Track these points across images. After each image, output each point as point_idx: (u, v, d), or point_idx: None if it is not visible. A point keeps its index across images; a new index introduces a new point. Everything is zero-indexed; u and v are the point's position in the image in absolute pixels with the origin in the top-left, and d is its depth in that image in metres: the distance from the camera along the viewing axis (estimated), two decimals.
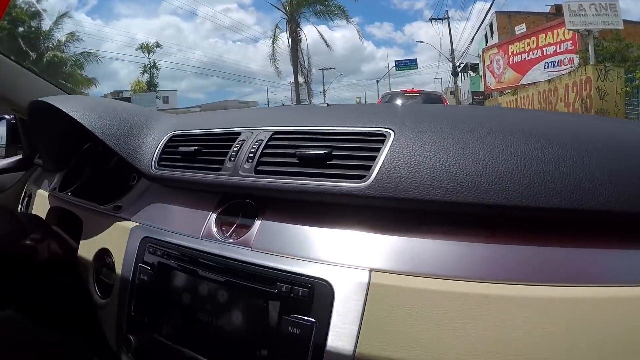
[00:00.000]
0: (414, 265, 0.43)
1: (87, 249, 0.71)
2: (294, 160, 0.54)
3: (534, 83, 12.67)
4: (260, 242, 0.53)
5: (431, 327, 0.39)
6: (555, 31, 12.50)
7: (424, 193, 0.44)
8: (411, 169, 0.45)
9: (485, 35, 19.71)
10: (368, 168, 0.48)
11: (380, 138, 0.50)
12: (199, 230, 0.59)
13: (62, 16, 17.27)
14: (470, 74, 22.29)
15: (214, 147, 0.63)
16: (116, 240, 0.66)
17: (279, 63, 21.08)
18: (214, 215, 0.59)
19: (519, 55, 14.26)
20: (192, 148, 0.64)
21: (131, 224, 0.66)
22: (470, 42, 19.66)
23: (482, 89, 18.04)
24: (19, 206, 1.18)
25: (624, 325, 0.35)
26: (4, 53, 1.08)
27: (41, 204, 0.99)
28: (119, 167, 0.88)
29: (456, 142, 0.46)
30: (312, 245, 0.50)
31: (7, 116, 1.41)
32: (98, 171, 0.97)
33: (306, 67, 21.18)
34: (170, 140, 0.69)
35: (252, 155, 0.57)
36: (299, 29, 20.55)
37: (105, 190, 0.84)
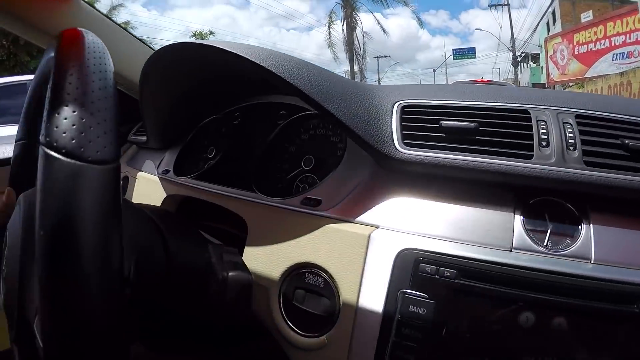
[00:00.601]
0: None
1: (269, 268, 0.51)
2: (617, 151, 0.43)
3: (603, 76, 11.87)
4: (601, 252, 0.40)
5: None
6: (625, 19, 11.74)
7: None
8: None
9: (547, 24, 18.80)
10: None
11: None
12: (502, 238, 0.41)
13: (115, 7, 17.88)
14: (530, 65, 21.31)
15: (497, 125, 0.46)
16: (336, 251, 0.46)
17: (335, 48, 21.12)
18: (521, 218, 0.41)
19: (585, 46, 13.60)
20: (470, 124, 0.45)
21: (360, 227, 0.46)
22: (534, 30, 18.90)
23: (542, 80, 17.29)
24: None
25: None
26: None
27: (147, 191, 0.84)
28: (267, 147, 0.68)
29: None
30: None
31: None
32: (233, 152, 0.77)
33: (361, 53, 21.14)
34: (403, 111, 0.50)
35: (572, 141, 0.43)
36: (354, 13, 20.34)
37: (244, 177, 0.65)
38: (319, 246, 0.47)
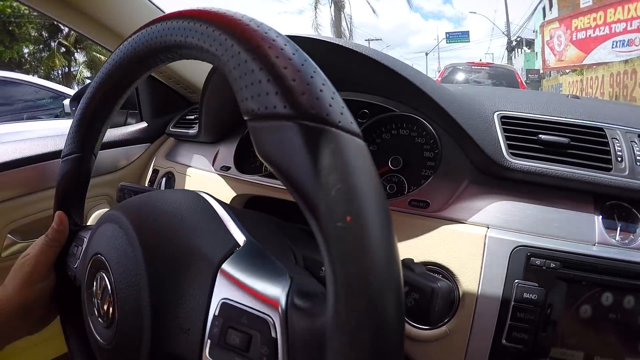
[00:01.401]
0: None
1: None
2: None
3: (605, 63, 11.89)
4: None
5: None
6: (626, 6, 11.67)
7: None
8: None
9: (543, 9, 18.79)
10: None
11: None
12: (588, 235, 0.51)
13: None
14: (524, 50, 21.36)
15: (585, 141, 0.56)
16: (450, 248, 0.54)
17: (321, 29, 20.96)
18: (601, 218, 0.52)
19: (584, 32, 13.47)
20: (564, 139, 0.55)
21: (474, 227, 0.54)
22: (533, 13, 18.87)
23: (537, 66, 17.30)
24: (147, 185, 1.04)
25: None
26: None
27: (203, 189, 0.83)
28: None
29: None
30: None
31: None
32: None
33: (348, 35, 21.00)
34: (503, 122, 0.58)
35: (639, 157, 0.54)
36: None
37: None
38: (437, 245, 0.55)
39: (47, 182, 0.89)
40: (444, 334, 0.52)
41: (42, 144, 0.90)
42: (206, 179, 0.86)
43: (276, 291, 0.30)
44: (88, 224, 0.57)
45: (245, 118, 0.27)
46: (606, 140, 0.55)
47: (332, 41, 0.59)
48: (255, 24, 0.28)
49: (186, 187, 0.90)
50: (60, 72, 19.60)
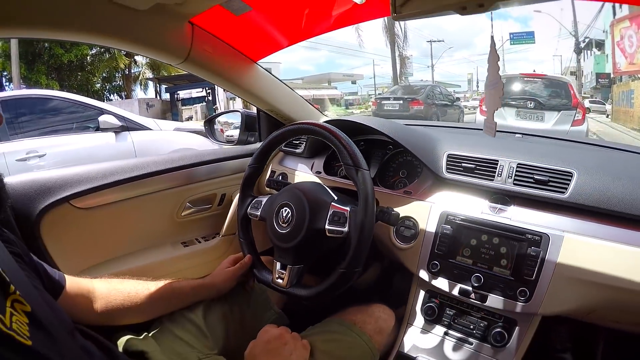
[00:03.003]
0: (585, 231, 1.07)
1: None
2: (530, 179, 1.19)
3: None
4: (515, 215, 1.18)
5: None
6: None
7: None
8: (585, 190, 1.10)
9: (613, 7, 18.35)
10: (566, 188, 1.12)
11: (569, 173, 1.14)
12: (478, 210, 1.22)
13: None
14: (594, 52, 21.04)
15: (484, 166, 1.26)
16: (417, 211, 1.28)
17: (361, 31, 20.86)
18: (487, 202, 1.22)
19: None
20: (471, 165, 1.27)
21: (429, 203, 1.28)
22: (600, 10, 18.36)
23: (607, 70, 16.94)
24: (268, 180, 1.76)
25: None
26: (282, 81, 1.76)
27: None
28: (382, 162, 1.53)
29: (605, 181, 1.10)
30: (537, 220, 1.14)
31: (240, 110, 2.04)
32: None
33: (402, 37, 21.11)
34: (449, 156, 1.31)
35: (510, 175, 1.21)
36: None
37: None
38: (412, 209, 1.30)
39: (209, 175, 1.69)
40: (411, 247, 1.27)
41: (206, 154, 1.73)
42: (307, 177, 1.66)
43: (346, 206, 1.08)
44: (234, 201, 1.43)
45: (342, 162, 1.08)
46: (496, 165, 1.24)
47: (354, 120, 1.42)
48: (337, 130, 1.10)
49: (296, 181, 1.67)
50: (120, 73, 21.19)
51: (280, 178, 1.72)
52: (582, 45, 19.38)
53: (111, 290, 1.02)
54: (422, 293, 1.29)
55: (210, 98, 13.05)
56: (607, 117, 20.42)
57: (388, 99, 13.77)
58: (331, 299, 1.09)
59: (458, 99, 16.25)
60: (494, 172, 1.24)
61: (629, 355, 1.41)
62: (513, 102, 7.58)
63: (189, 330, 1.06)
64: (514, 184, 1.20)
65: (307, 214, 1.10)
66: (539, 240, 1.10)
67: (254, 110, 1.92)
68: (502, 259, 1.14)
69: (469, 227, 1.20)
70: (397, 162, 1.52)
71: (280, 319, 1.25)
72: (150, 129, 5.03)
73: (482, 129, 1.17)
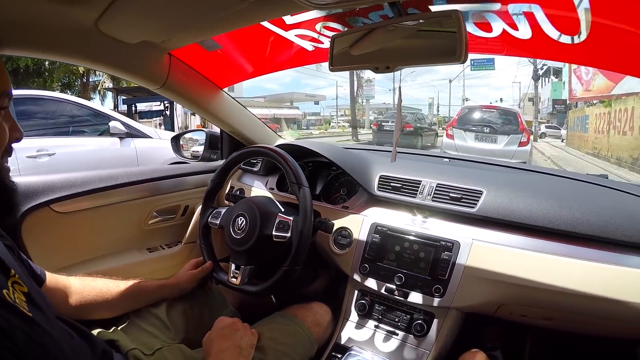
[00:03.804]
0: (490, 239, 1.32)
1: None
2: (447, 196, 1.44)
3: (635, 94, 12.55)
4: (434, 226, 1.45)
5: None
6: None
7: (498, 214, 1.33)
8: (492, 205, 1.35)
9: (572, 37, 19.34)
10: (476, 203, 1.38)
11: (480, 192, 1.40)
12: (402, 221, 1.49)
13: None
14: (552, 79, 22.19)
15: (409, 185, 1.54)
16: (352, 223, 1.54)
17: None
18: (410, 215, 1.49)
19: None
20: (399, 185, 1.55)
21: (362, 216, 1.55)
22: (559, 37, 19.23)
23: (564, 96, 17.68)
24: (227, 194, 2.00)
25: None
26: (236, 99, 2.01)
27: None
28: (325, 182, 1.79)
29: (510, 197, 1.36)
30: (451, 230, 1.40)
31: (204, 130, 2.27)
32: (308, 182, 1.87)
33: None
34: (381, 177, 1.59)
35: (429, 193, 1.49)
36: None
37: (314, 195, 1.72)
38: (348, 221, 1.57)
39: (174, 188, 1.92)
40: (346, 253, 1.53)
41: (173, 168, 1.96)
42: (262, 192, 1.90)
43: (290, 216, 1.35)
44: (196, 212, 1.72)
45: (287, 180, 1.37)
46: (419, 185, 1.52)
47: (301, 144, 1.69)
48: (285, 153, 1.39)
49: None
50: (79, 81, 20.81)
51: (238, 193, 1.97)
52: (540, 72, 20.40)
53: (85, 286, 1.19)
54: (355, 292, 1.53)
55: (168, 112, 13.01)
56: (562, 141, 21.44)
57: (387, 121, 17.53)
58: (279, 300, 1.33)
59: (434, 123, 19.31)
60: (417, 190, 1.52)
61: (553, 352, 1.67)
62: (473, 128, 9.41)
63: (153, 323, 1.24)
64: (433, 200, 1.48)
65: (258, 222, 1.36)
66: (451, 246, 1.36)
67: (218, 130, 2.16)
68: (421, 262, 1.39)
69: (394, 235, 1.47)
70: (339, 181, 1.80)
71: (235, 316, 1.43)
72: (151, 137, 5.43)
73: (413, 153, 1.44)
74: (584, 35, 1.23)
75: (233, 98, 1.98)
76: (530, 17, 1.23)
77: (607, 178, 1.84)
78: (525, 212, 1.32)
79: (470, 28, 1.31)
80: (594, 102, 16.11)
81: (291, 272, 1.30)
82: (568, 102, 17.72)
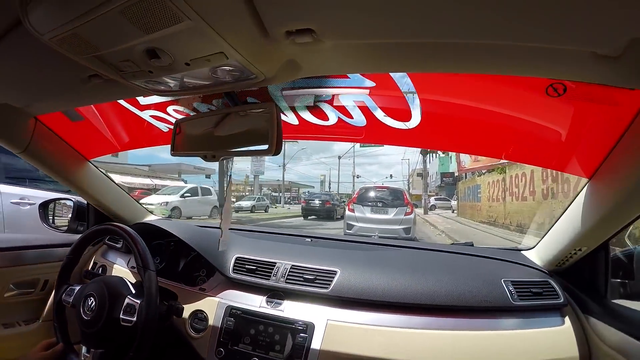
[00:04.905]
0: (345, 318, 1.39)
1: (186, 309, 1.56)
2: (301, 278, 1.51)
3: None
4: (287, 309, 1.47)
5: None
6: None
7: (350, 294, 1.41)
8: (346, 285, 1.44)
9: None
10: (329, 284, 1.46)
11: (334, 272, 1.49)
12: (257, 304, 1.52)
13: None
14: (439, 155, 23.64)
15: (263, 267, 1.59)
16: (208, 306, 1.55)
17: None
18: (265, 298, 1.53)
19: None
20: (253, 267, 1.60)
21: (218, 299, 1.56)
22: None
23: (451, 169, 19.15)
24: (85, 271, 1.92)
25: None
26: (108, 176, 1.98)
27: (123, 275, 1.65)
28: (185, 262, 1.79)
29: (363, 275, 1.45)
30: (306, 311, 1.44)
31: (72, 197, 2.18)
32: (169, 261, 1.84)
33: None
34: (237, 259, 1.64)
35: (283, 275, 1.55)
36: None
37: (175, 274, 1.74)
38: (204, 304, 1.58)
39: (35, 260, 1.83)
40: (202, 336, 1.51)
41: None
42: (124, 271, 1.85)
43: (139, 299, 1.35)
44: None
45: (136, 266, 1.38)
46: (273, 266, 1.59)
47: (158, 225, 1.71)
48: (134, 233, 1.39)
49: (113, 274, 1.86)
50: None
51: (100, 270, 1.91)
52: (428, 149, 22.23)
53: None
54: None
55: None
56: (453, 212, 23.05)
57: (313, 200, 22.29)
58: None
59: (344, 200, 23.38)
60: (271, 272, 1.58)
61: None
62: (369, 203, 11.41)
63: None
64: (287, 282, 1.53)
65: (107, 304, 1.34)
66: (305, 328, 1.38)
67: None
68: (276, 345, 1.40)
69: (249, 319, 1.49)
70: (200, 261, 1.81)
71: None
72: None
73: (272, 233, 1.49)
74: (416, 121, 1.36)
75: (101, 171, 1.97)
76: (363, 108, 1.38)
77: (472, 245, 2.01)
78: (377, 289, 1.41)
79: (310, 118, 1.45)
80: (483, 171, 17.15)
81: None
82: (457, 173, 18.97)
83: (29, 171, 4.99)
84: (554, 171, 10.54)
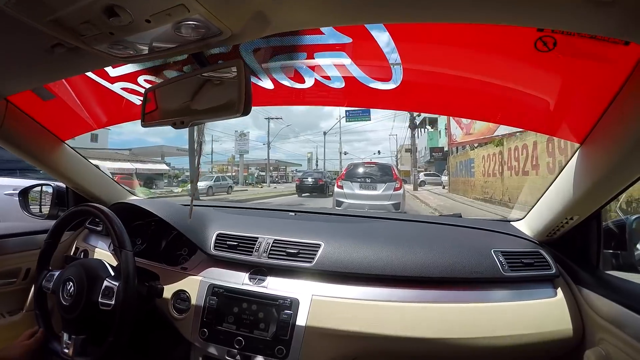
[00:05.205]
0: (330, 293, 1.35)
1: (167, 290, 1.52)
2: (283, 252, 1.47)
3: (513, 133, 12.83)
4: (271, 285, 1.44)
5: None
6: None
7: (336, 267, 1.37)
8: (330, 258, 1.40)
9: None
10: (313, 258, 1.41)
11: (318, 245, 1.45)
12: (240, 281, 1.48)
13: None
14: (427, 129, 23.86)
15: (245, 243, 1.55)
16: (190, 285, 1.51)
17: None
18: (247, 274, 1.49)
19: None
20: (235, 243, 1.55)
21: (199, 278, 1.52)
22: None
23: (441, 144, 19.04)
24: (65, 256, 1.88)
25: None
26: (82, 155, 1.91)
27: (103, 258, 1.58)
28: (167, 241, 1.74)
29: (349, 248, 1.41)
30: (290, 287, 1.40)
31: (52, 183, 2.10)
32: (151, 242, 1.79)
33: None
34: (218, 235, 1.58)
35: (265, 250, 1.50)
36: None
37: (157, 255, 1.69)
38: (186, 283, 1.53)
39: (15, 248, 1.78)
40: (185, 317, 1.47)
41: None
42: (103, 254, 1.80)
43: (117, 281, 1.31)
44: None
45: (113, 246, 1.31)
46: (255, 242, 1.54)
47: (137, 204, 1.64)
48: (110, 213, 1.34)
49: (94, 257, 1.81)
50: None
51: (82, 255, 1.87)
52: (417, 122, 22.10)
53: None
54: (200, 359, 1.48)
55: None
56: (444, 188, 22.96)
57: (307, 178, 23.65)
58: None
59: (334, 178, 23.61)
60: (253, 247, 1.53)
61: None
62: (358, 179, 11.40)
63: None
64: (269, 257, 1.49)
65: (85, 288, 1.30)
66: (290, 304, 1.35)
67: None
68: (260, 323, 1.37)
69: (232, 297, 1.45)
70: (181, 240, 1.76)
71: None
72: None
73: (253, 208, 1.44)
74: (398, 81, 1.30)
75: (77, 152, 1.90)
76: (340, 67, 1.31)
77: (460, 217, 1.97)
78: (363, 262, 1.37)
79: (286, 81, 1.39)
80: (475, 145, 16.65)
81: (117, 344, 1.23)
82: (448, 148, 18.75)
83: (19, 161, 4.86)
84: (562, 141, 9.49)
